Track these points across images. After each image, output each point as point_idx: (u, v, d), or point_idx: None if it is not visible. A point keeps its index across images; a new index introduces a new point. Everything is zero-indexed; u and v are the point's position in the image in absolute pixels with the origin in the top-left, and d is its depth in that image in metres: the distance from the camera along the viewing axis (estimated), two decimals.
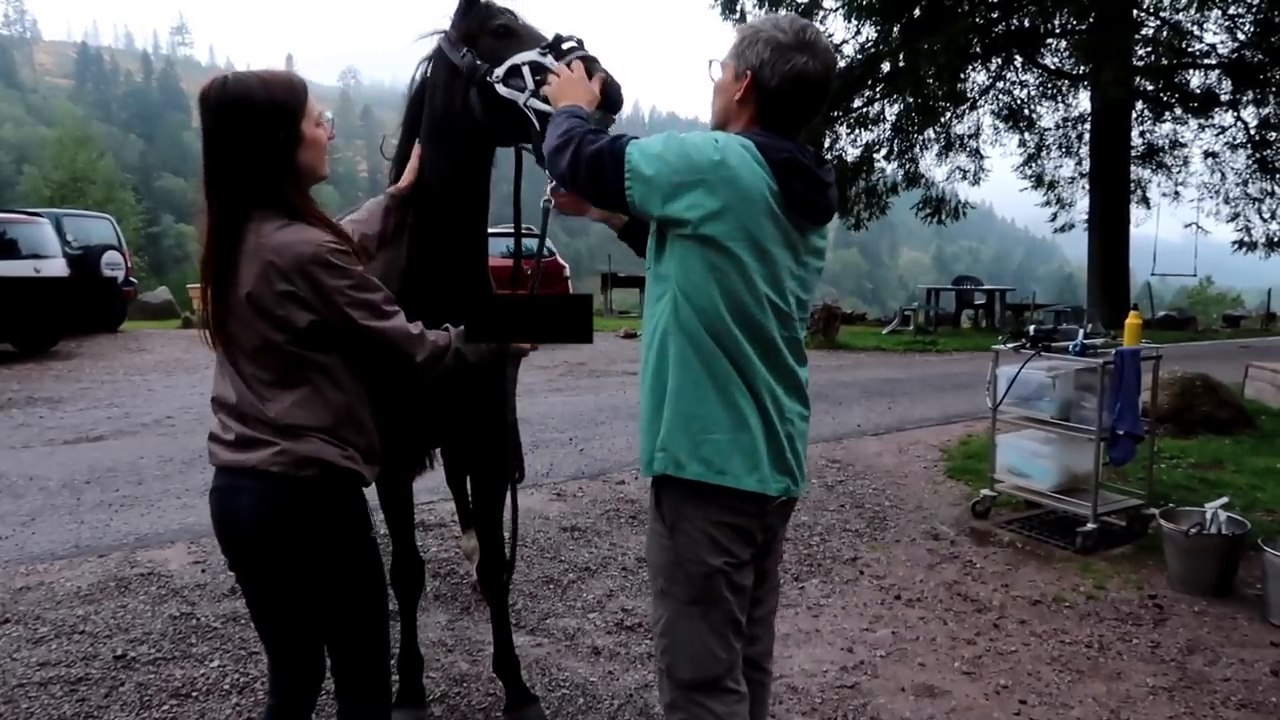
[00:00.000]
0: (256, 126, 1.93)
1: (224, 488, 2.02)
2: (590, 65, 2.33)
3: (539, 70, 2.35)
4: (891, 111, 18.94)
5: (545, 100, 2.30)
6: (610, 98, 2.31)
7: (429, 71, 2.64)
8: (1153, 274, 20.89)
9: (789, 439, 2.11)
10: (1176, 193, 20.28)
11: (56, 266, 12.07)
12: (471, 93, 2.46)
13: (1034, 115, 20.27)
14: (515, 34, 2.45)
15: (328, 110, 2.10)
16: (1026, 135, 20.40)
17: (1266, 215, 19.74)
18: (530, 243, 2.75)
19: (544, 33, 2.48)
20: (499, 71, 2.40)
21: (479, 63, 2.46)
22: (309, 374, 1.98)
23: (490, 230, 2.84)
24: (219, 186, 1.96)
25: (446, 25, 2.60)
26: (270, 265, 1.90)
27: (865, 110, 18.88)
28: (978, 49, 17.90)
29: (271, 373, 1.97)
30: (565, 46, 2.37)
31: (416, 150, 2.66)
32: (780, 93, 2.02)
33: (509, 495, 2.78)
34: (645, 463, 2.12)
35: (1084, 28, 16.82)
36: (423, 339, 2.11)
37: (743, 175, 1.94)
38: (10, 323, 11.50)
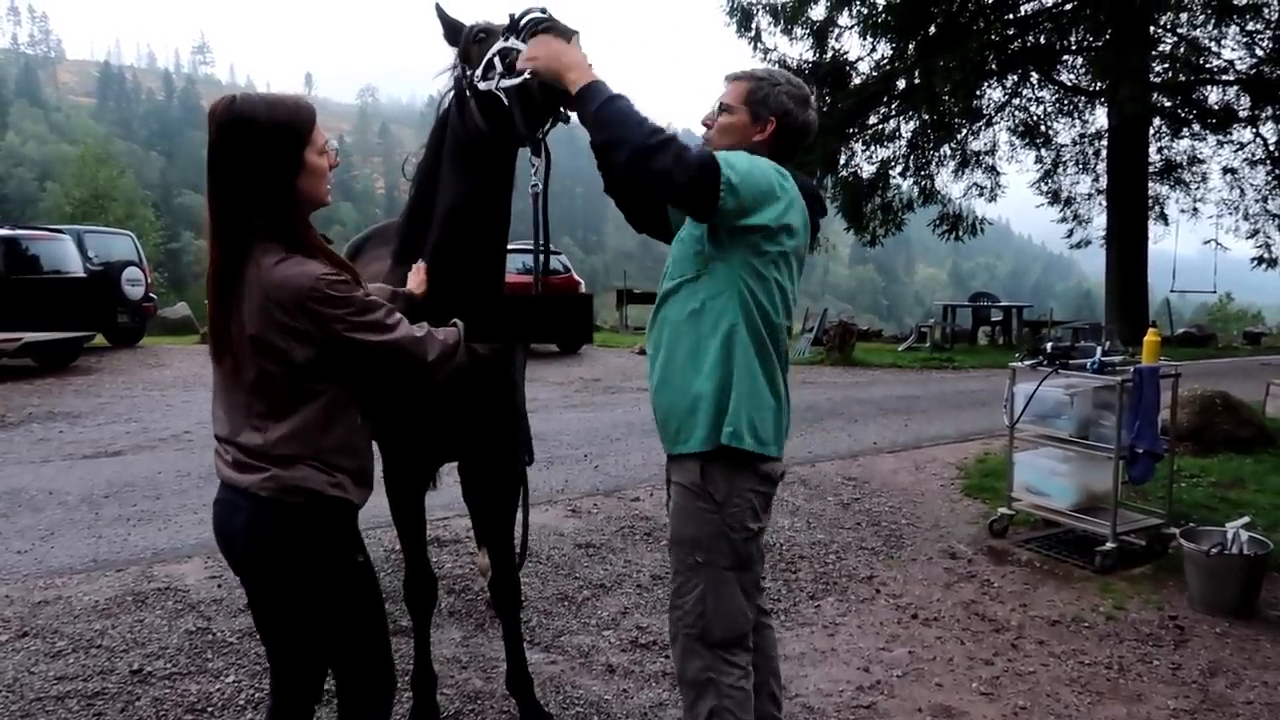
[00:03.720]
0: (256, 148, 1.94)
1: (224, 501, 2.09)
2: (556, 31, 2.30)
3: (506, 54, 2.36)
4: (907, 128, 18.96)
5: (514, 74, 2.31)
6: None
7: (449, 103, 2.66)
8: (1172, 290, 20.76)
9: (788, 415, 2.52)
10: (1195, 209, 20.14)
11: None
12: (471, 104, 2.49)
13: (1050, 131, 20.22)
14: (492, 33, 2.47)
15: (334, 139, 2.11)
16: (1043, 151, 20.34)
17: None
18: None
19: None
20: (478, 71, 2.44)
21: (466, 72, 2.51)
22: (304, 404, 2.00)
23: (509, 246, 2.83)
24: (220, 207, 1.97)
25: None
26: (270, 300, 1.92)
27: (881, 127, 18.90)
28: (993, 65, 17.89)
29: (267, 403, 1.99)
30: (523, 22, 2.35)
31: (420, 267, 2.64)
32: (798, 136, 2.48)
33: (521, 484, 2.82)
34: (702, 439, 2.36)
35: (1100, 44, 16.78)
36: (430, 338, 2.14)
37: (799, 202, 2.36)
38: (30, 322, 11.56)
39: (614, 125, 2.20)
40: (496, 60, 2.38)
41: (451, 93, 2.64)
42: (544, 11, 2.35)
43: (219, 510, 2.10)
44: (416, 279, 2.62)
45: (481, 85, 2.42)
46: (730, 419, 2.33)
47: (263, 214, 1.96)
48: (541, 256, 2.83)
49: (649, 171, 2.18)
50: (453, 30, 2.62)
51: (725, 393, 2.34)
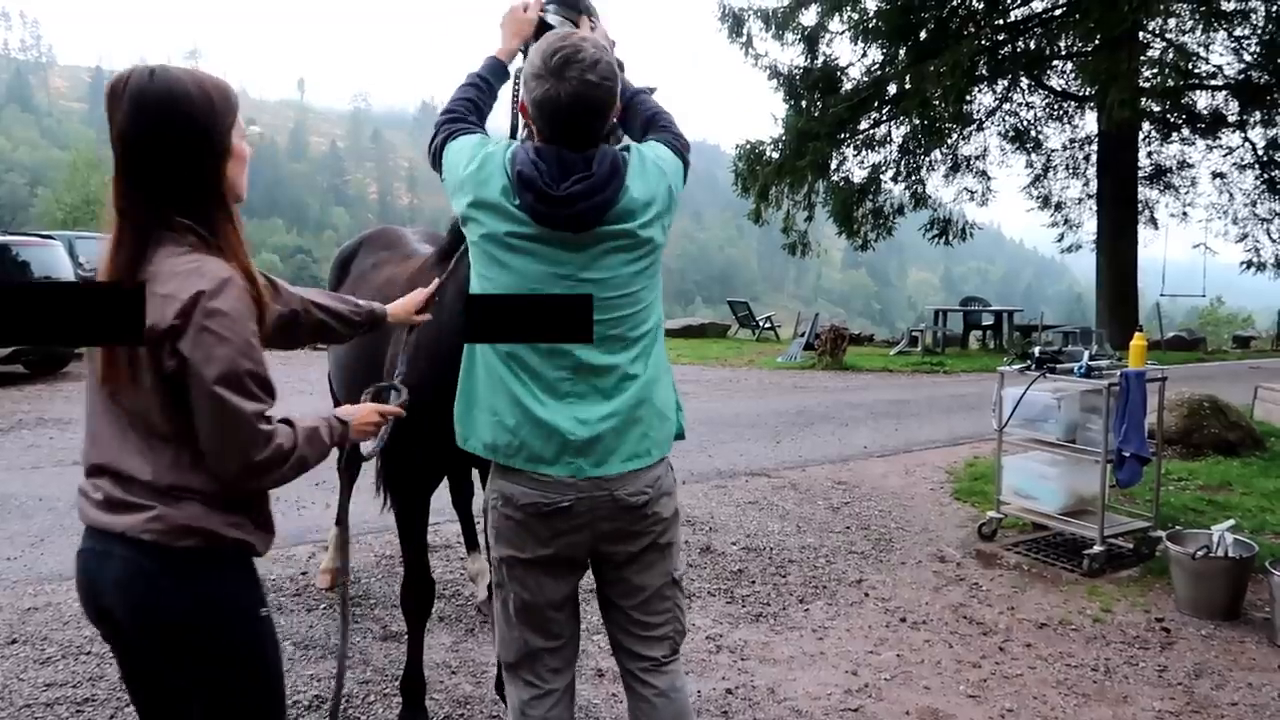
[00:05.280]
0: (187, 128, 1.66)
1: (91, 551, 1.72)
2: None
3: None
4: (898, 133, 19.07)
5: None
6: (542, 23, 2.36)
7: None
8: (1162, 294, 20.88)
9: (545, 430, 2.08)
10: (1184, 213, 20.33)
11: None
12: None
13: (1041, 136, 20.39)
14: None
15: (255, 127, 1.97)
16: (1033, 156, 20.49)
17: (1275, 235, 19.80)
18: None
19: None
20: None
21: None
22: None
23: None
24: (134, 197, 1.68)
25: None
26: (161, 297, 1.61)
27: (872, 132, 19.01)
28: (984, 71, 18.00)
29: (152, 423, 1.66)
30: None
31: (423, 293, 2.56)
32: (537, 116, 2.04)
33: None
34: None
35: (1090, 49, 16.89)
36: (272, 438, 1.67)
37: (489, 185, 2.03)
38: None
39: None
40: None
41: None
42: None
43: (83, 562, 1.73)
44: (413, 301, 2.50)
45: None
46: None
47: (184, 205, 1.68)
48: None
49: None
50: None
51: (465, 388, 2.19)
